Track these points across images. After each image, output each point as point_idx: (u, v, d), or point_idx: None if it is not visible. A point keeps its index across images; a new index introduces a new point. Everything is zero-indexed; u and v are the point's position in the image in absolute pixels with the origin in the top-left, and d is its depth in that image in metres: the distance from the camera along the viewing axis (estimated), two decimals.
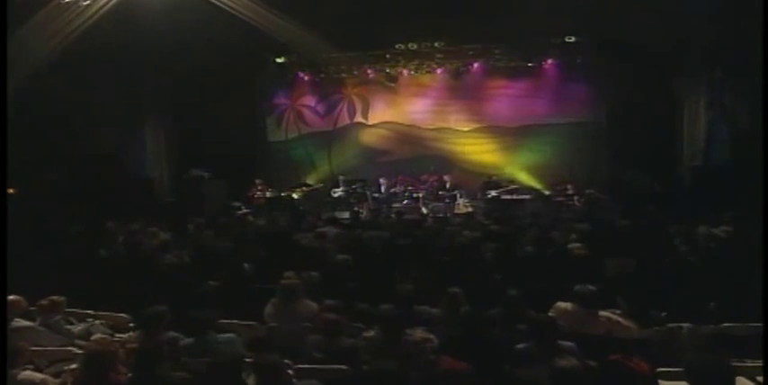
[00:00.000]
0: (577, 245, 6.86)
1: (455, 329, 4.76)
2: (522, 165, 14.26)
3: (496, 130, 14.47)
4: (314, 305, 5.21)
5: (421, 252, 7.26)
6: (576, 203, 11.80)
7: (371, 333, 4.34)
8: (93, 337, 4.94)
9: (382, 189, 13.65)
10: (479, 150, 14.67)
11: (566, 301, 5.03)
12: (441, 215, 11.95)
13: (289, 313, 5.14)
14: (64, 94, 10.65)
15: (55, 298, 5.15)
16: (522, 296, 5.11)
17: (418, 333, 4.31)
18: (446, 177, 13.31)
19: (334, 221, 9.53)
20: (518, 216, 10.01)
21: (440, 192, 13.09)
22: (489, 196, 12.68)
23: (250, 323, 5.28)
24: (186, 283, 6.19)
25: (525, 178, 14.14)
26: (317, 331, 4.69)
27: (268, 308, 5.29)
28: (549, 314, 4.97)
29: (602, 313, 4.84)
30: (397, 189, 13.62)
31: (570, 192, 12.20)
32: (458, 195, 12.85)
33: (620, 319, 4.81)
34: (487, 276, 6.31)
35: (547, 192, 13.48)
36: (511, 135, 14.33)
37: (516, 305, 5.05)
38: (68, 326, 5.17)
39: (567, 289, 5.08)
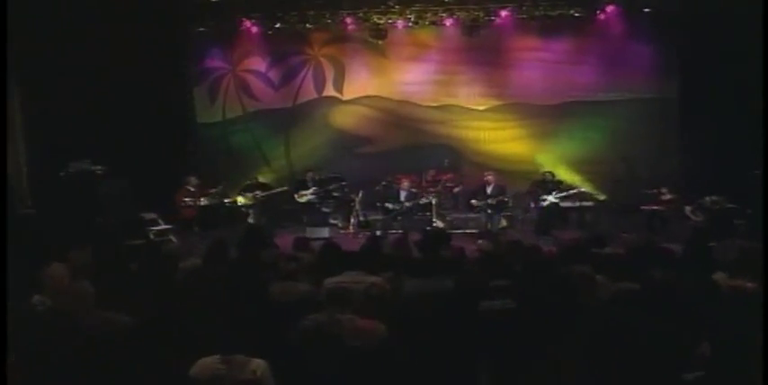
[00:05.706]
0: None
1: None
2: (561, 159, 11.74)
3: (525, 109, 12.00)
4: None
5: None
6: (692, 217, 8.88)
7: None
8: None
9: (402, 195, 9.90)
10: (500, 137, 12.14)
11: None
12: (476, 231, 8.86)
13: None
14: None
15: None
16: None
17: None
18: (489, 177, 9.75)
19: (339, 257, 5.46)
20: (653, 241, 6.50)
21: (476, 199, 9.63)
22: (545, 203, 9.58)
23: None
24: None
25: (567, 176, 11.28)
26: None
27: None
28: None
29: None
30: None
31: (668, 197, 9.32)
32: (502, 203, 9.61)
33: None
34: None
35: (601, 198, 10.80)
36: (546, 116, 11.88)
37: None
38: None
39: None
